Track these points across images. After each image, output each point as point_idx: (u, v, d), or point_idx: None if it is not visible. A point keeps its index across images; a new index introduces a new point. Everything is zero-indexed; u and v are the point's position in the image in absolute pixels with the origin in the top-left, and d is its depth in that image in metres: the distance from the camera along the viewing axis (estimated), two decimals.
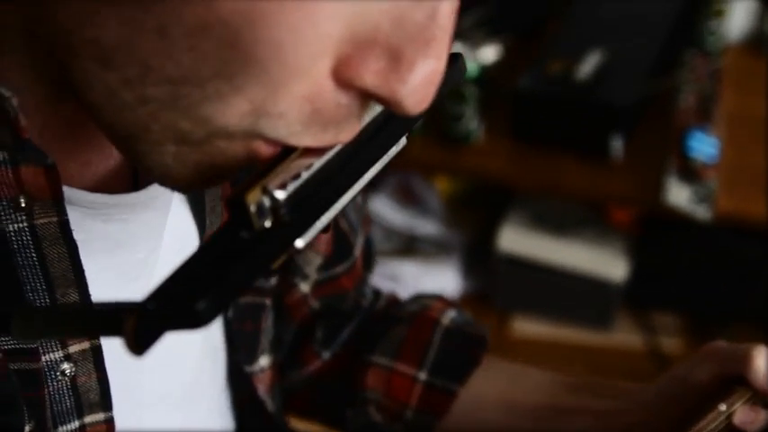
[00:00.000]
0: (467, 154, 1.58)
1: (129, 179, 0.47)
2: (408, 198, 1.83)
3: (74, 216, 0.43)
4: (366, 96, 0.36)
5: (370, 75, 0.35)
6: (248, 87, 0.34)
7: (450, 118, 1.57)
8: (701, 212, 1.47)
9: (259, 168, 0.36)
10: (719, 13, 1.74)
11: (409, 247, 1.81)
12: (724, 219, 1.48)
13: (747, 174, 1.52)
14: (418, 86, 0.35)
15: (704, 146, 1.52)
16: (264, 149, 0.37)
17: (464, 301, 1.81)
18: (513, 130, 1.58)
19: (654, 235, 1.70)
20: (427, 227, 1.82)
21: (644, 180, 1.52)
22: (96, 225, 0.45)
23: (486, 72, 1.62)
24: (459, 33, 1.62)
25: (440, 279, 1.78)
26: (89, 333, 0.45)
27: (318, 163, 0.38)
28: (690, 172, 1.50)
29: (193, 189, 0.40)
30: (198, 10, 0.32)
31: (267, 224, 0.35)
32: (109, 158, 0.46)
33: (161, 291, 0.33)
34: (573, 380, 0.65)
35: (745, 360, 0.54)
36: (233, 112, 0.35)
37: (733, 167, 1.51)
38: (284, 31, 0.32)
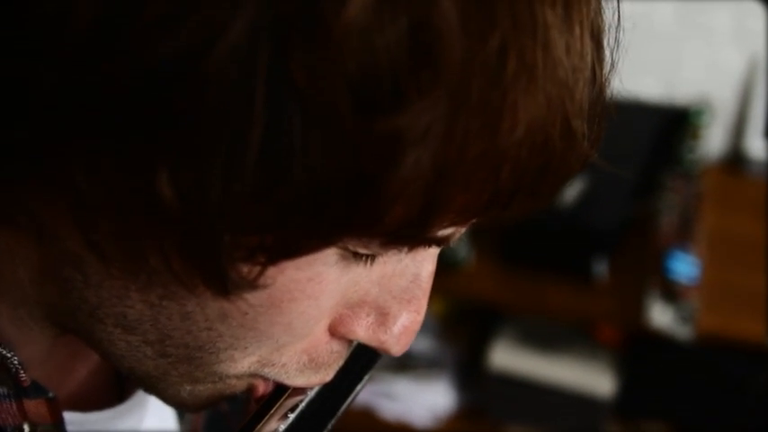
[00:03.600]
0: (458, 277, 1.64)
1: (115, 387, 0.51)
2: None
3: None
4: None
5: (362, 330, 0.40)
6: (258, 351, 0.39)
7: None
8: (684, 333, 1.51)
9: (251, 414, 0.42)
10: (697, 134, 1.81)
11: (403, 363, 1.85)
12: (706, 338, 1.51)
13: (728, 293, 1.55)
14: (402, 336, 0.41)
15: (685, 266, 1.56)
16: (262, 386, 0.43)
17: (458, 416, 1.85)
18: (502, 255, 1.64)
19: (641, 351, 1.75)
20: (421, 344, 1.87)
21: (627, 301, 1.57)
22: None
23: None
24: None
25: (433, 394, 1.81)
26: None
27: (302, 404, 0.44)
28: (671, 293, 1.54)
29: (201, 411, 0.46)
30: (222, 304, 0.36)
31: None
32: (93, 368, 0.50)
33: None
34: None
35: None
36: (243, 366, 0.40)
37: (714, 287, 1.55)
38: (295, 315, 0.37)
